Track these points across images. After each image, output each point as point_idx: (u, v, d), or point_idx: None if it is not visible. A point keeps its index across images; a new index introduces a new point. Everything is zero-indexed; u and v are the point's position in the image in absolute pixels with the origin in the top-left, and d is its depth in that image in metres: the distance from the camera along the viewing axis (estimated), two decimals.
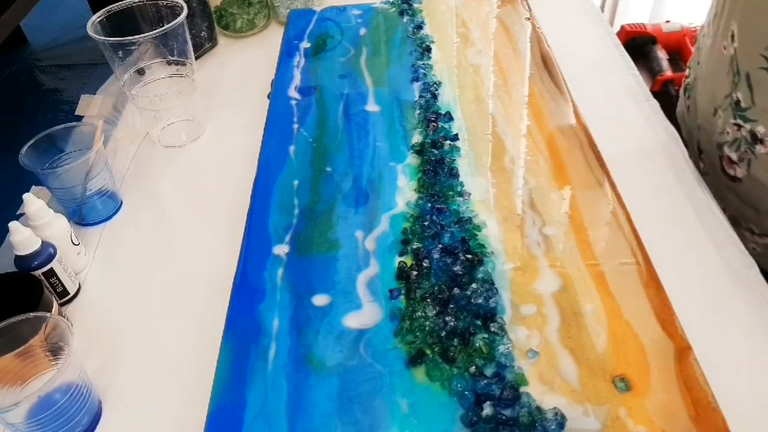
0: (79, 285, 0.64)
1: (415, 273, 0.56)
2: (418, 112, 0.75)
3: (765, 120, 0.63)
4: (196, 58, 0.90)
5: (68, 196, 0.69)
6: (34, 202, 0.61)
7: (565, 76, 0.77)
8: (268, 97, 0.81)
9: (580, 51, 0.88)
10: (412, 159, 0.69)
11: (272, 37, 0.98)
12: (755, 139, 0.65)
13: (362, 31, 0.91)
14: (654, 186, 0.68)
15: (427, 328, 0.52)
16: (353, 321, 0.54)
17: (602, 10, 1.72)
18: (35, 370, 0.52)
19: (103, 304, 0.63)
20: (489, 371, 0.49)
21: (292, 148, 0.72)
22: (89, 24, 0.73)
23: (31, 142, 0.67)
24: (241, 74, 0.94)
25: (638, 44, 1.40)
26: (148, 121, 0.83)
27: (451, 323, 0.52)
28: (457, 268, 0.56)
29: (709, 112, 0.72)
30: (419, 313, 0.53)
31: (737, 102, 0.66)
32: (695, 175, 0.69)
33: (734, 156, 0.69)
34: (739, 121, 0.66)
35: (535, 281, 0.55)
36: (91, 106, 0.86)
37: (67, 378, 0.49)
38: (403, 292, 0.55)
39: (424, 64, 0.83)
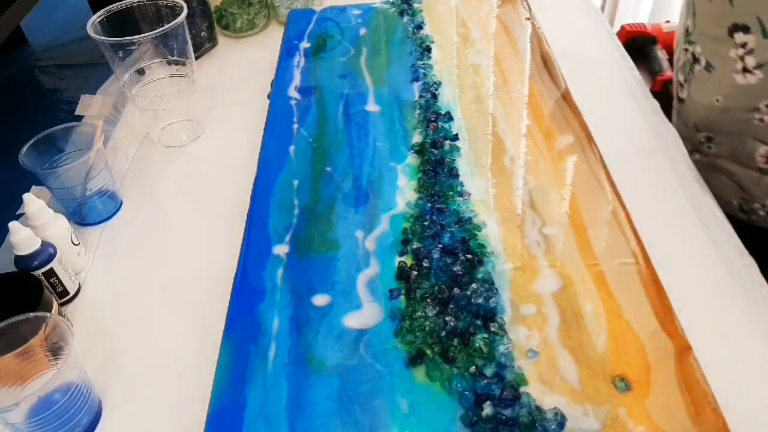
0: (79, 285, 0.64)
1: (415, 273, 0.56)
2: (418, 112, 0.75)
3: (701, 41, 0.74)
4: (196, 58, 0.90)
5: (68, 196, 0.69)
6: (34, 202, 0.61)
7: (565, 76, 0.77)
8: (268, 97, 0.81)
9: (580, 51, 0.88)
10: (412, 159, 0.69)
11: (272, 37, 0.98)
12: (695, 59, 0.75)
13: (362, 31, 0.91)
14: (654, 186, 0.68)
15: (427, 328, 0.52)
16: (353, 321, 0.54)
17: (602, 10, 1.72)
18: (35, 370, 0.52)
19: (103, 304, 0.63)
20: (489, 371, 0.49)
21: (292, 148, 0.72)
22: (89, 24, 0.73)
23: (31, 142, 0.67)
24: (241, 74, 0.94)
25: (638, 44, 1.40)
26: (148, 121, 0.83)
27: (451, 323, 0.52)
28: (457, 268, 0.56)
29: (678, 48, 0.82)
30: (419, 313, 0.53)
31: (686, 29, 0.76)
32: (695, 175, 0.69)
33: (682, 78, 0.80)
34: (686, 46, 0.77)
35: (535, 281, 0.55)
36: (91, 106, 0.86)
37: (67, 378, 0.49)
38: (403, 292, 0.55)
39: (424, 64, 0.83)
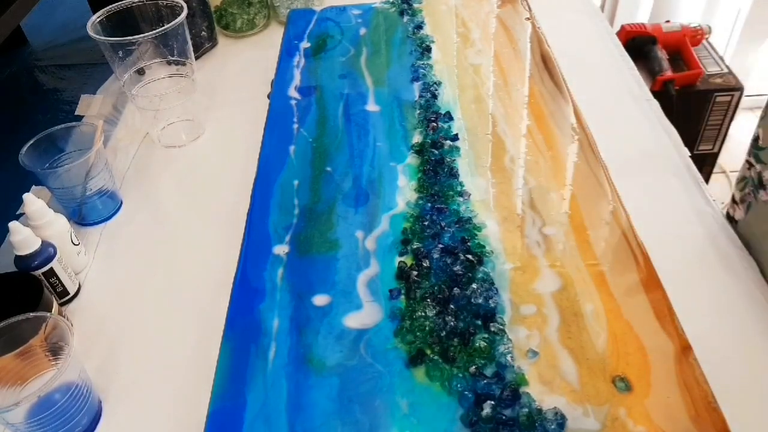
0: (79, 285, 0.64)
1: (415, 273, 0.56)
2: (418, 112, 0.75)
3: None
4: (196, 58, 0.90)
5: (68, 196, 0.69)
6: (34, 202, 0.61)
7: (565, 76, 0.77)
8: (268, 97, 0.81)
9: (580, 51, 0.88)
10: (412, 159, 0.69)
11: (272, 37, 0.98)
12: (761, 183, 0.59)
13: (362, 31, 0.91)
14: (654, 186, 0.68)
15: (427, 328, 0.52)
16: (353, 321, 0.54)
17: (602, 10, 1.72)
18: (35, 370, 0.52)
19: (103, 304, 0.63)
20: (489, 371, 0.49)
21: (292, 148, 0.72)
22: (89, 24, 0.73)
23: (31, 142, 0.67)
24: (241, 74, 0.94)
25: (638, 44, 1.40)
26: (148, 121, 0.83)
27: (451, 323, 0.52)
28: (457, 268, 0.56)
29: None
30: (419, 313, 0.53)
31: (756, 138, 0.61)
32: (695, 175, 0.69)
33: (738, 196, 0.63)
34: (752, 159, 0.61)
35: (535, 281, 0.55)
36: (91, 106, 0.86)
37: (67, 378, 0.49)
38: (403, 292, 0.55)
39: (424, 64, 0.83)
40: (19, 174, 0.65)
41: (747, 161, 0.62)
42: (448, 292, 0.54)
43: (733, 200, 0.64)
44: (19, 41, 1.51)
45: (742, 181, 0.63)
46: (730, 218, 0.64)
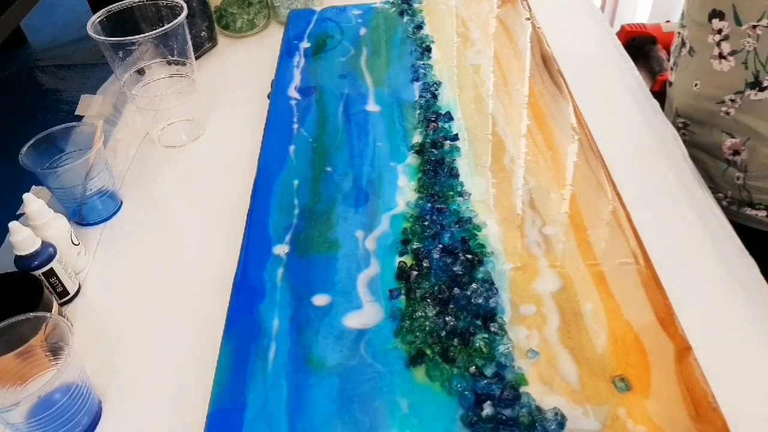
0: (79, 285, 0.64)
1: (415, 273, 0.56)
2: (418, 112, 0.75)
3: (689, 25, 0.77)
4: (196, 58, 0.90)
5: (68, 196, 0.69)
6: (34, 202, 0.61)
7: (565, 76, 0.77)
8: (268, 97, 0.81)
9: (580, 51, 0.88)
10: (412, 159, 0.69)
11: (272, 37, 0.98)
12: (683, 43, 0.78)
13: (362, 31, 0.91)
14: (654, 186, 0.68)
15: (427, 328, 0.52)
16: (353, 321, 0.54)
17: (602, 10, 1.72)
18: (35, 370, 0.52)
19: (103, 304, 0.63)
20: (489, 371, 0.49)
21: (292, 148, 0.72)
22: (89, 24, 0.73)
23: (31, 142, 0.67)
24: (241, 74, 0.94)
25: (638, 44, 1.40)
26: (148, 121, 0.83)
27: (451, 323, 0.52)
28: (457, 268, 0.56)
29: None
30: (419, 313, 0.53)
31: (682, 13, 0.80)
32: (695, 175, 0.69)
33: (672, 62, 0.82)
34: (679, 29, 0.80)
35: (535, 281, 0.55)
36: (91, 106, 0.86)
37: (67, 378, 0.49)
38: (403, 292, 0.55)
39: (424, 64, 0.83)
40: (19, 174, 0.65)
41: (677, 33, 0.81)
42: (448, 292, 0.54)
43: (671, 68, 0.85)
44: (19, 41, 1.51)
45: (674, 49, 0.82)
46: (669, 83, 0.85)
